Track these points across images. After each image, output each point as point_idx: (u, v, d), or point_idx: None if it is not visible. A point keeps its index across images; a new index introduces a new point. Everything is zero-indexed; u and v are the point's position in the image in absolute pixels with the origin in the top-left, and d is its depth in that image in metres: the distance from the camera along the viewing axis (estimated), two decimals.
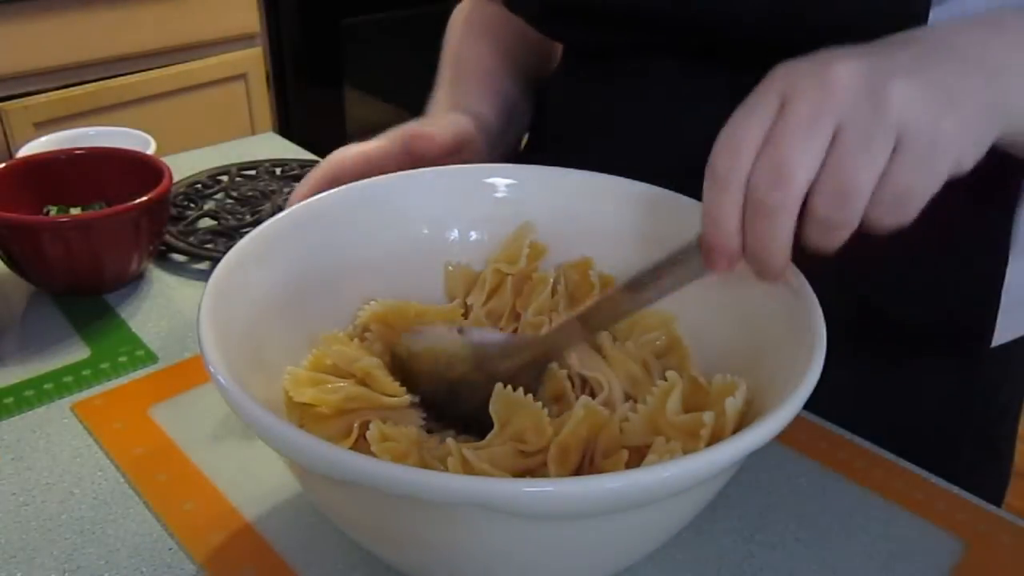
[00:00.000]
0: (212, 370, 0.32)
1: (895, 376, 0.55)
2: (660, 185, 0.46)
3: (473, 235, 0.48)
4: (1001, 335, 0.55)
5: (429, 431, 0.40)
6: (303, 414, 0.38)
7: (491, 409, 0.38)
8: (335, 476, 0.28)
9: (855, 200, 0.32)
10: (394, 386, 0.40)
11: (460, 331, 0.42)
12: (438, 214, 0.47)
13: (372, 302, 0.44)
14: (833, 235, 0.34)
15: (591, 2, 0.51)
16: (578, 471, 0.36)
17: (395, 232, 0.47)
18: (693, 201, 0.43)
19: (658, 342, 0.43)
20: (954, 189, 0.35)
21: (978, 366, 0.55)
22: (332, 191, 0.45)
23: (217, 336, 0.34)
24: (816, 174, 0.33)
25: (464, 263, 0.48)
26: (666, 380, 0.38)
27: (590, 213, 0.47)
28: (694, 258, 0.36)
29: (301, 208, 0.43)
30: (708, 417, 0.35)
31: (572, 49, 0.59)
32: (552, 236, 0.48)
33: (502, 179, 0.48)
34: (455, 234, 0.48)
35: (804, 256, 0.35)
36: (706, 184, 0.35)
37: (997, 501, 0.61)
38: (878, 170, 0.32)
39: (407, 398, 0.40)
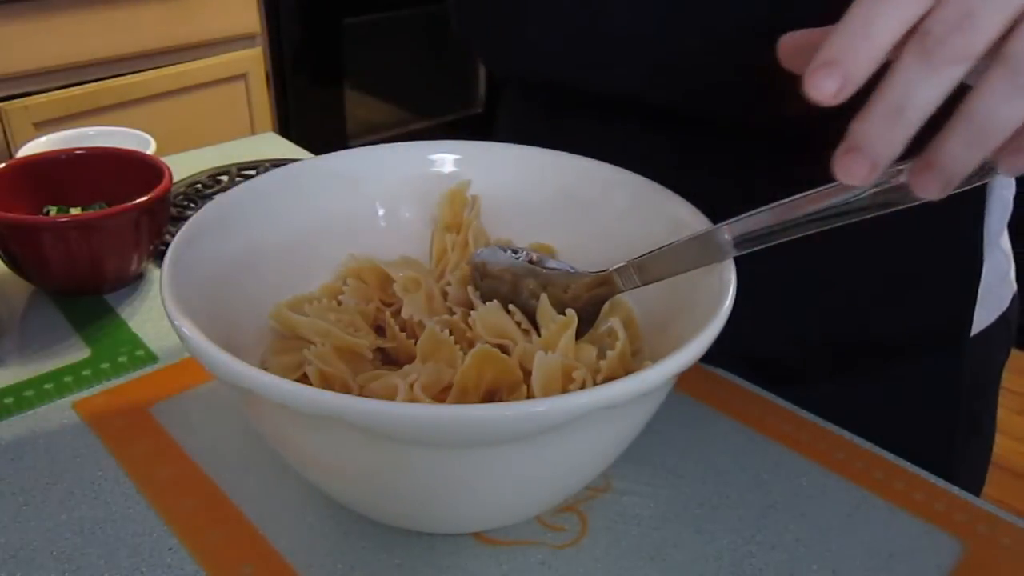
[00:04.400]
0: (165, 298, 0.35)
1: (882, 376, 0.56)
2: None
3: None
4: (979, 323, 0.57)
5: None
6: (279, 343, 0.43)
7: (417, 344, 0.41)
8: (229, 382, 0.33)
9: None
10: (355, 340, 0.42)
11: (531, 261, 0.45)
12: (391, 188, 0.50)
13: (351, 256, 0.48)
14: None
15: (571, 84, 0.51)
16: None
17: (364, 198, 0.49)
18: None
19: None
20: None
21: (961, 355, 0.56)
22: (292, 165, 0.48)
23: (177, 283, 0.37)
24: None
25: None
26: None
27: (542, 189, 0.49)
28: (762, 213, 0.35)
29: (265, 177, 0.46)
30: (578, 373, 0.38)
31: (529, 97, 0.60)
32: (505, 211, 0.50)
33: (449, 154, 0.50)
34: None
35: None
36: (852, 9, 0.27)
37: (982, 475, 0.64)
38: None
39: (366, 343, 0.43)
